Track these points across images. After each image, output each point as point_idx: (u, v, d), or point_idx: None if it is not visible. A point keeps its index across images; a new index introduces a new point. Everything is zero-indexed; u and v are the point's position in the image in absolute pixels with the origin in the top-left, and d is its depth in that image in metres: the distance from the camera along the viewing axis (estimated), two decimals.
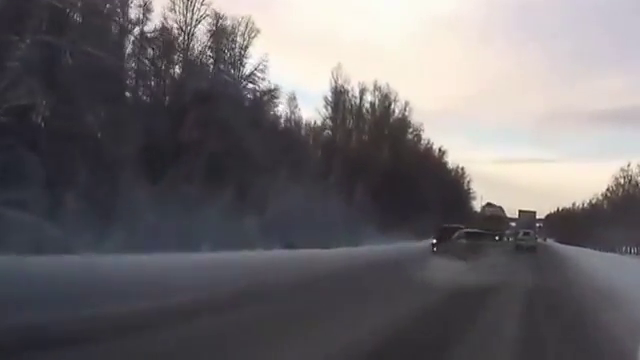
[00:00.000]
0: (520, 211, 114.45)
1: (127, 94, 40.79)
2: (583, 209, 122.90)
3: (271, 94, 52.41)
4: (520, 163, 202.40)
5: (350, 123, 74.25)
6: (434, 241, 52.69)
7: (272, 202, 43.00)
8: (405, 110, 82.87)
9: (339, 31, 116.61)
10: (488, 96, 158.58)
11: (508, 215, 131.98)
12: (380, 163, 74.62)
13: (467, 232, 52.08)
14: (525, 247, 69.71)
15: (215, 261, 25.70)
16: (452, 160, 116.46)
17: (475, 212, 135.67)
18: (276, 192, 43.47)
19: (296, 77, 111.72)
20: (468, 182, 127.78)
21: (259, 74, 49.75)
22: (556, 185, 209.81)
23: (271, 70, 51.58)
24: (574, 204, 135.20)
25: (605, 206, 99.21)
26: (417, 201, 78.03)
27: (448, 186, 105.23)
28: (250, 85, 50.63)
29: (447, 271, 28.39)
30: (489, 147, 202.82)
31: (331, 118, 70.96)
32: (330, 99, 70.80)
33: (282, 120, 61.34)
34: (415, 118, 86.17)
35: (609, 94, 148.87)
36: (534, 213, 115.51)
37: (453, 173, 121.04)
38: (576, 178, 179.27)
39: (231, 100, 46.34)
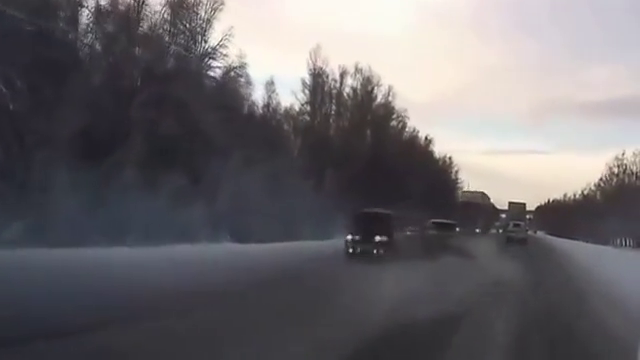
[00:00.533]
0: (510, 203, 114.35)
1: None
2: (575, 200, 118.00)
3: (235, 71, 47.24)
4: (511, 154, 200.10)
5: (330, 108, 68.99)
6: (349, 237, 36.01)
7: (226, 190, 37.84)
8: (389, 95, 77.38)
9: (326, 21, 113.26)
10: (479, 87, 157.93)
11: (498, 207, 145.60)
12: (361, 150, 69.86)
13: (436, 222, 46.12)
14: (516, 239, 67.50)
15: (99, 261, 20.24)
16: (440, 150, 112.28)
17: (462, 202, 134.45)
18: (234, 180, 38.36)
19: (277, 66, 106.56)
20: (456, 172, 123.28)
21: (223, 50, 45.34)
22: (548, 177, 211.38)
23: (249, 58, 48.89)
24: (565, 195, 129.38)
25: (598, 197, 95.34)
26: (400, 191, 73.37)
27: (434, 175, 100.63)
28: (215, 63, 46.13)
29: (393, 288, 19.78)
30: (480, 138, 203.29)
31: (309, 102, 65.85)
32: (308, 82, 65.76)
33: (259, 107, 57.25)
34: (399, 104, 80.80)
35: (601, 85, 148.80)
36: (524, 205, 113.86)
37: (440, 162, 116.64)
38: (568, 170, 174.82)
39: (189, 77, 41.55)
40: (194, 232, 31.48)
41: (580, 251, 53.67)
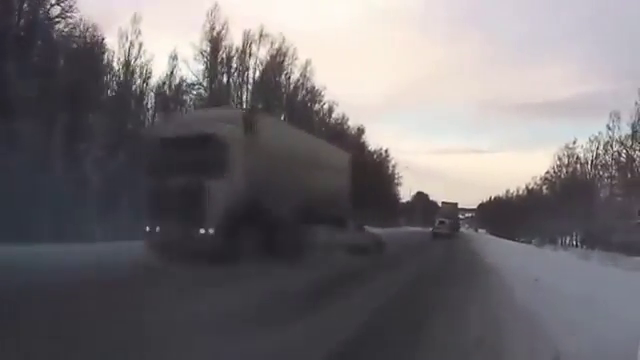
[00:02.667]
0: (443, 202, 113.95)
1: None
2: (518, 196, 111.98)
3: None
4: (455, 153, 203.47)
5: (232, 80, 55.67)
6: None
7: None
8: (305, 70, 64.60)
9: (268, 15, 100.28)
10: (424, 87, 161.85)
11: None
12: None
13: None
14: (441, 235, 72.38)
15: None
16: (376, 142, 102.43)
17: (398, 199, 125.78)
18: None
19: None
20: (393, 166, 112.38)
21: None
22: (491, 175, 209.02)
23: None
24: (508, 191, 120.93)
25: (544, 191, 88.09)
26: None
27: (364, 169, 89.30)
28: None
29: None
30: (423, 137, 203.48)
31: (207, 70, 52.36)
32: (205, 49, 52.46)
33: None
34: (318, 82, 68.24)
35: (542, 85, 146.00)
36: (455, 204, 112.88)
37: (375, 156, 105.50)
38: (511, 168, 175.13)
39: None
40: None
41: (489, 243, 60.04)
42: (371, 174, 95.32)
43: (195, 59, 51.61)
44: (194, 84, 51.79)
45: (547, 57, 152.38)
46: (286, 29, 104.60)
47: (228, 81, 54.47)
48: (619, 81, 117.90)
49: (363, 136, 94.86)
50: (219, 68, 53.25)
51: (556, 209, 68.69)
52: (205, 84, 52.81)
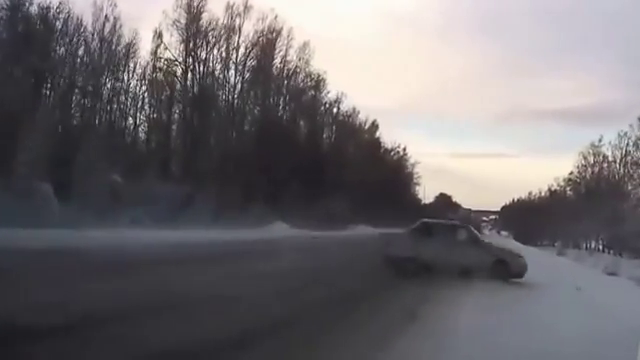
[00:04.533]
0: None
1: None
2: (540, 198, 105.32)
3: None
4: (477, 158, 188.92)
5: (215, 60, 48.70)
6: None
7: None
8: (304, 52, 57.46)
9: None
10: (448, 92, 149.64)
11: (465, 207, 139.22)
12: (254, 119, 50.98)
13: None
14: None
15: None
16: (392, 140, 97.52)
17: (419, 199, 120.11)
18: None
19: None
20: (412, 165, 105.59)
21: None
22: (514, 179, 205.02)
23: None
24: (530, 193, 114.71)
25: (568, 192, 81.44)
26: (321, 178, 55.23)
27: (380, 167, 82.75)
28: None
29: None
30: (447, 142, 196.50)
31: (185, 45, 45.55)
32: (183, 24, 45.67)
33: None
34: (317, 65, 61.15)
35: (562, 92, 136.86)
36: (469, 210, 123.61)
37: (393, 153, 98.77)
38: (533, 172, 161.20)
39: None
40: None
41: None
42: (388, 172, 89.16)
43: (167, 30, 45.12)
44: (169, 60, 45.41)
45: (567, 65, 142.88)
46: (307, 36, 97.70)
47: (206, 57, 47.53)
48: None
49: (378, 132, 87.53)
50: (196, 42, 46.34)
51: (580, 211, 62.18)
52: (180, 59, 46.32)
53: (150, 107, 46.94)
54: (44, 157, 31.93)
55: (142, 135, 46.77)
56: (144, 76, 45.16)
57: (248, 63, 50.72)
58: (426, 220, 25.28)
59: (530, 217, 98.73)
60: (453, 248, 21.92)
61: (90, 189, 32.05)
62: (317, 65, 61.04)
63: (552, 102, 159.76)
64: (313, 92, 63.04)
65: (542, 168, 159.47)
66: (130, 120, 45.57)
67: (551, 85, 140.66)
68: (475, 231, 25.27)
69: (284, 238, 36.17)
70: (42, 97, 37.46)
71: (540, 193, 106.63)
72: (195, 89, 47.01)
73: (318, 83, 62.44)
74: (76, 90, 39.29)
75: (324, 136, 71.00)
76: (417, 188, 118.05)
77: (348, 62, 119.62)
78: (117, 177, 35.54)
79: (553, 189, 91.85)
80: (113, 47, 42.55)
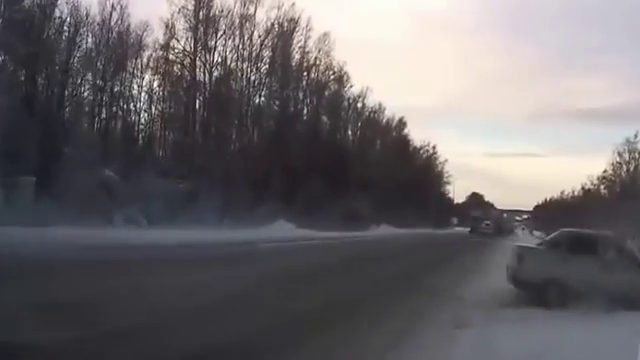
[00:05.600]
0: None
1: None
2: (573, 197, 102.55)
3: None
4: (510, 157, 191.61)
5: (228, 49, 45.46)
6: None
7: None
8: (324, 44, 54.03)
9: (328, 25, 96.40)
10: (479, 92, 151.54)
11: (499, 207, 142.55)
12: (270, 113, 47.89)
13: None
14: (486, 233, 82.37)
15: None
16: (421, 139, 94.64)
17: (450, 199, 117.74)
18: None
19: None
20: (442, 164, 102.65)
21: None
22: (545, 179, 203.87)
23: None
24: (563, 192, 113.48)
25: (602, 191, 78.84)
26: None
27: (405, 163, 79.57)
28: None
29: None
30: (479, 141, 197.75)
31: (194, 33, 42.49)
32: (191, 11, 42.54)
33: None
34: (339, 58, 57.88)
35: (595, 92, 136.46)
36: (501, 211, 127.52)
37: (422, 152, 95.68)
38: (565, 172, 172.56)
39: None
40: None
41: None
42: (416, 171, 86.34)
43: (172, 17, 42.32)
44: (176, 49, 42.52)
45: (598, 64, 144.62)
46: (340, 38, 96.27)
47: (215, 45, 44.39)
48: None
49: (406, 130, 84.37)
50: (207, 30, 43.26)
51: (615, 210, 57.78)
52: (188, 48, 43.37)
53: (157, 99, 44.15)
54: (32, 149, 29.34)
55: (146, 129, 43.94)
56: (148, 65, 42.45)
57: (264, 54, 47.46)
58: (567, 230, 18.85)
59: (563, 217, 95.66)
60: (608, 268, 15.88)
61: (81, 185, 29.25)
62: (339, 58, 57.75)
63: (584, 101, 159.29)
64: (336, 86, 59.72)
65: (574, 167, 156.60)
66: (134, 114, 42.76)
67: (582, 84, 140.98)
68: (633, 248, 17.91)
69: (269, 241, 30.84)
70: (37, 88, 34.85)
71: (573, 192, 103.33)
72: (206, 80, 43.99)
73: (341, 77, 59.11)
74: (70, 81, 36.60)
75: (349, 133, 67.96)
76: (447, 187, 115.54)
77: (375, 60, 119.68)
78: (111, 173, 32.72)
79: (587, 188, 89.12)
80: (116, 36, 39.85)
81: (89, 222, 26.88)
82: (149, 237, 25.93)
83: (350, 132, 68.32)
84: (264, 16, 46.90)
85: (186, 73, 43.42)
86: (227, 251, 24.56)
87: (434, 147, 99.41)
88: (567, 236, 17.72)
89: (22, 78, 34.80)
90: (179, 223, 32.29)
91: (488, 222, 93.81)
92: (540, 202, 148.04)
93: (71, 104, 36.59)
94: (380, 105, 72.80)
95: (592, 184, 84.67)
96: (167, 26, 42.48)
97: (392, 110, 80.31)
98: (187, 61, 43.02)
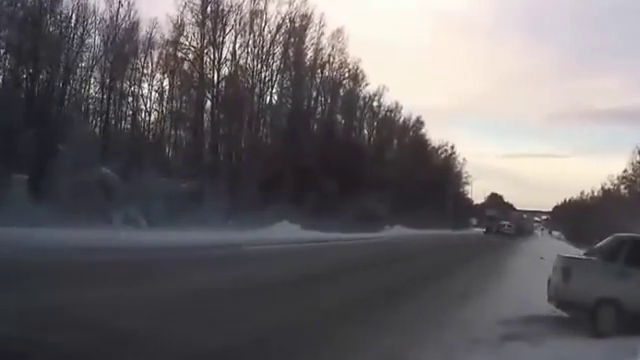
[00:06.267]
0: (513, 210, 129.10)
1: None
2: (592, 197, 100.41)
3: None
4: (529, 158, 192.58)
5: (237, 45, 43.76)
6: None
7: None
8: (338, 40, 52.32)
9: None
10: (497, 92, 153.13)
11: (518, 208, 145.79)
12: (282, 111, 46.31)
13: None
14: (505, 233, 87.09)
15: None
16: (439, 138, 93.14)
17: (469, 199, 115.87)
18: None
19: None
20: (460, 164, 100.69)
21: None
22: (564, 180, 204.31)
23: None
24: (582, 192, 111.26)
25: (622, 191, 77.58)
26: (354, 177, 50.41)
27: (422, 163, 77.84)
28: None
29: None
30: (498, 142, 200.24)
31: (201, 29, 40.87)
32: (198, 5, 41.00)
33: None
34: (353, 54, 56.12)
35: (613, 92, 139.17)
36: (522, 213, 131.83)
37: (440, 151, 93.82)
38: (584, 173, 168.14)
39: None
40: None
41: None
42: (434, 171, 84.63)
43: (178, 10, 40.92)
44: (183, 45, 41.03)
45: (617, 65, 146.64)
46: (357, 39, 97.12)
47: (224, 41, 42.78)
48: None
49: (423, 129, 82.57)
50: (216, 25, 41.67)
51: (636, 210, 56.23)
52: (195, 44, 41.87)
53: (165, 97, 42.68)
54: (26, 147, 28.02)
55: (155, 128, 42.51)
56: (158, 63, 41.10)
57: (275, 50, 45.80)
58: (623, 236, 14.35)
59: (582, 217, 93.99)
60: None
61: (77, 183, 27.84)
62: (353, 55, 55.98)
63: (602, 102, 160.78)
64: (351, 84, 58.00)
65: (593, 168, 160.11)
66: (141, 111, 41.34)
67: (601, 85, 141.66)
68: None
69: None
70: (35, 84, 33.51)
71: (593, 193, 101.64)
72: (215, 77, 42.44)
73: (356, 75, 57.37)
74: (71, 77, 35.20)
75: (364, 132, 66.33)
76: (466, 188, 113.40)
77: (391, 59, 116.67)
78: (108, 171, 31.23)
79: (607, 188, 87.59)
80: (123, 32, 38.49)
81: (85, 222, 25.65)
82: (133, 238, 24.47)
83: (366, 131, 66.80)
84: (274, 11, 45.28)
85: (194, 69, 41.84)
86: (194, 255, 21.70)
87: (452, 147, 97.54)
88: (624, 243, 13.70)
89: (24, 75, 33.67)
90: (182, 224, 30.83)
91: (505, 222, 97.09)
92: (559, 203, 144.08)
93: (69, 101, 35.19)
94: (397, 104, 71.15)
95: (612, 184, 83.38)
96: (176, 23, 41.04)
97: (409, 110, 78.72)
98: (194, 57, 41.43)
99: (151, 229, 29.48)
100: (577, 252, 23.90)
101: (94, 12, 37.10)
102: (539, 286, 14.88)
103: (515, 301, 15.33)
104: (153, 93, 41.53)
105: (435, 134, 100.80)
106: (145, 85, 41.42)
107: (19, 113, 29.00)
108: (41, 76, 33.75)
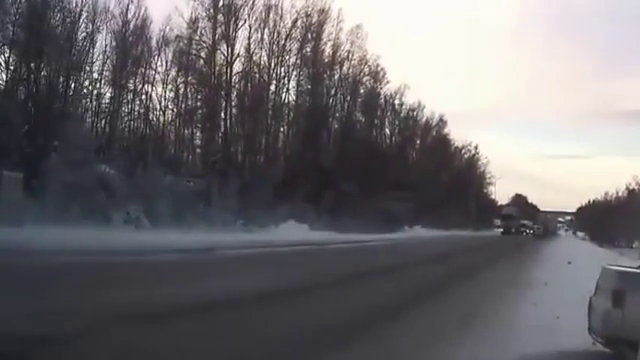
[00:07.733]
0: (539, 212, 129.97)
1: None
2: (617, 198, 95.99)
3: None
4: (554, 159, 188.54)
5: (250, 40, 41.48)
6: None
7: None
8: (357, 36, 49.80)
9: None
10: (522, 93, 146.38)
11: (541, 209, 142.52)
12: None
13: None
14: (537, 234, 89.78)
15: None
16: (463, 138, 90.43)
17: (493, 200, 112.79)
18: None
19: None
20: (484, 164, 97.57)
21: None
22: (590, 180, 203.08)
23: None
24: (607, 193, 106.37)
25: None
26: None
27: (445, 163, 75.33)
28: None
29: None
30: (522, 143, 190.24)
31: (210, 20, 38.70)
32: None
33: None
34: (372, 49, 53.72)
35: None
36: (546, 213, 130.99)
37: (464, 151, 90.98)
38: (610, 174, 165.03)
39: None
40: None
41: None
42: (459, 171, 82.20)
43: (187, 4, 39.00)
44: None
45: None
46: (383, 44, 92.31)
47: (235, 36, 40.50)
48: None
49: (446, 129, 79.86)
50: (229, 19, 39.43)
51: None
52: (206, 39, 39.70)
53: (176, 94, 40.55)
54: (21, 144, 26.15)
55: (163, 126, 40.41)
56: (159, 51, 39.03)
57: (291, 46, 43.50)
58: None
59: (607, 218, 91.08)
60: None
61: (75, 182, 25.85)
62: (372, 52, 53.52)
63: (628, 103, 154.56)
64: (372, 81, 55.56)
65: (618, 168, 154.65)
66: (150, 109, 39.26)
67: (627, 86, 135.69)
68: None
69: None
70: (36, 82, 31.65)
71: (617, 193, 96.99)
72: (228, 72, 40.21)
73: (376, 72, 54.90)
74: (75, 73, 33.34)
75: (386, 131, 63.89)
76: (490, 188, 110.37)
77: (414, 58, 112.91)
78: (109, 169, 29.24)
79: (631, 188, 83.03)
80: (132, 30, 36.56)
81: (81, 221, 24.05)
82: (129, 238, 22.40)
83: (388, 131, 64.36)
84: (289, 6, 43.01)
85: (206, 65, 39.66)
86: (152, 261, 18.01)
87: (476, 147, 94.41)
88: None
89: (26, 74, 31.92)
90: (187, 224, 28.81)
91: (525, 221, 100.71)
92: (583, 203, 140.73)
93: (71, 98, 33.32)
94: (419, 103, 68.55)
95: (637, 184, 79.15)
96: (190, 19, 39.01)
97: (431, 109, 76.04)
98: (206, 54, 39.23)
99: (154, 229, 27.49)
100: (613, 258, 19.98)
101: (106, 10, 35.48)
102: (571, 306, 11.57)
103: (541, 330, 10.94)
104: (166, 92, 39.63)
105: (459, 134, 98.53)
106: (159, 83, 39.62)
107: (16, 110, 27.33)
108: (43, 73, 31.92)
